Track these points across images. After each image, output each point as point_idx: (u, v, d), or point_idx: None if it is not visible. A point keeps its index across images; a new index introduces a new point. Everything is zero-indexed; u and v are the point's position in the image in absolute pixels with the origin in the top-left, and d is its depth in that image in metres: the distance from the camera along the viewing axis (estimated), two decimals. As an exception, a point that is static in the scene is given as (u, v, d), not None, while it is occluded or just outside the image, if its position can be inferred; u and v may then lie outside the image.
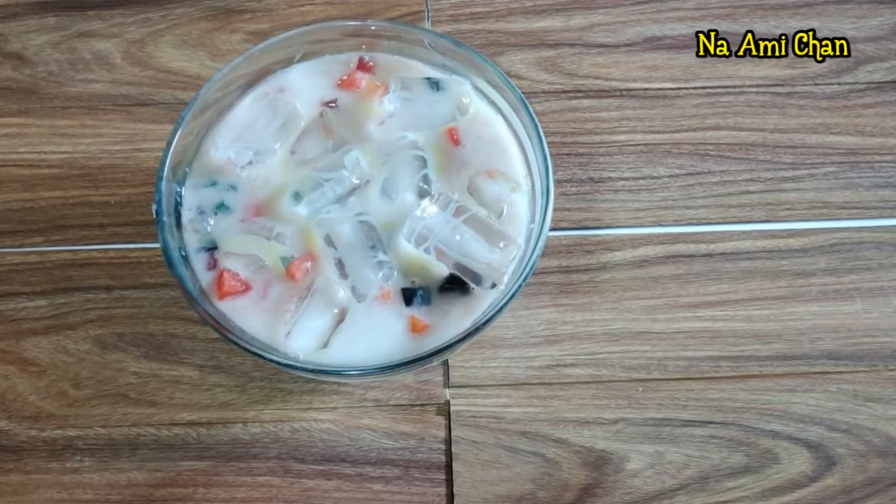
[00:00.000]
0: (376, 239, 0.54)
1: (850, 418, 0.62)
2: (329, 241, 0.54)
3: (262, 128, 0.57)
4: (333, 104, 0.58)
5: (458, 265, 0.53)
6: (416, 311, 0.54)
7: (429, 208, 0.54)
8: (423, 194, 0.55)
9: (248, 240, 0.55)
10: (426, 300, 0.54)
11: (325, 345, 0.53)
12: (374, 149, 0.57)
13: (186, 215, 0.56)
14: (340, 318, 0.53)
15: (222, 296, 0.54)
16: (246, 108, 0.58)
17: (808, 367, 0.63)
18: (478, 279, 0.53)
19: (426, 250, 0.53)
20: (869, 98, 0.70)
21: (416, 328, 0.53)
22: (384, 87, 0.58)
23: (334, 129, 0.57)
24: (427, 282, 0.54)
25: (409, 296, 0.54)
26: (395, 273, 0.54)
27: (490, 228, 0.54)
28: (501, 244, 0.54)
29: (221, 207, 0.56)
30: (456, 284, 0.54)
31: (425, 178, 0.56)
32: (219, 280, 0.54)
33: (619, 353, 0.63)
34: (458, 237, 0.53)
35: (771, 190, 0.68)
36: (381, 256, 0.53)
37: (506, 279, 0.54)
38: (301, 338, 0.53)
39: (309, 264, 0.54)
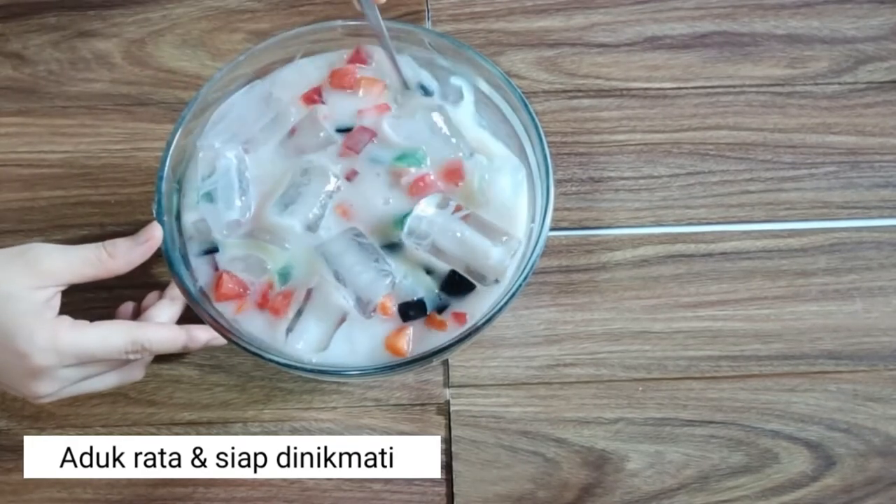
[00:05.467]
0: (371, 249, 0.53)
1: (850, 418, 0.62)
2: (324, 257, 0.53)
3: (253, 122, 0.57)
4: (321, 100, 0.58)
5: (459, 263, 0.53)
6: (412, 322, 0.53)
7: (428, 208, 0.54)
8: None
9: (247, 241, 0.55)
10: (422, 314, 0.53)
11: (326, 345, 0.53)
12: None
13: (186, 215, 0.56)
14: (341, 319, 0.53)
15: (221, 297, 0.54)
16: (235, 102, 0.58)
17: (808, 367, 0.63)
18: (479, 276, 0.53)
19: (426, 249, 0.53)
20: (869, 98, 0.70)
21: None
22: (382, 83, 0.58)
23: (324, 125, 0.57)
24: (427, 282, 0.54)
25: (405, 311, 0.53)
26: (396, 279, 0.53)
27: (489, 225, 0.54)
28: (503, 238, 0.53)
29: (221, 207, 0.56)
30: (456, 283, 0.54)
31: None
32: (218, 281, 0.54)
33: (619, 353, 0.63)
34: (458, 234, 0.53)
35: (771, 190, 0.68)
36: (381, 265, 0.53)
37: (508, 274, 0.53)
38: (301, 338, 0.53)
39: (296, 293, 0.54)
